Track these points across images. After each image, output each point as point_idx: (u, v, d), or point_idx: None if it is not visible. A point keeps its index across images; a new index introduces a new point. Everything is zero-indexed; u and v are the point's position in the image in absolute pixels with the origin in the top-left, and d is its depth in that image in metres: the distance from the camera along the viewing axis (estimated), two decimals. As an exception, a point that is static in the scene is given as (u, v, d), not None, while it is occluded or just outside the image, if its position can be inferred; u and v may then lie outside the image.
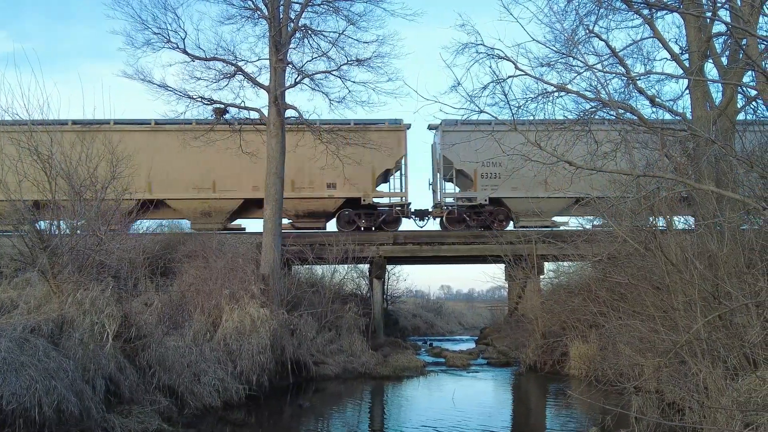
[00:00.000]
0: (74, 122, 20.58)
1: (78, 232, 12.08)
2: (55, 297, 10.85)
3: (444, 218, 23.41)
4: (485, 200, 23.05)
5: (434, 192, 24.70)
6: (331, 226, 24.01)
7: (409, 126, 23.50)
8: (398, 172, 24.06)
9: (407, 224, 28.09)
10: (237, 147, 18.72)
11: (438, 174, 24.21)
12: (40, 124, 12.39)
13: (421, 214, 24.18)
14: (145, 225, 22.32)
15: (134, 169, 22.02)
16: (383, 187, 24.28)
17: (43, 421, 8.11)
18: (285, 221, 23.67)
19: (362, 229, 23.17)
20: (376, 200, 23.51)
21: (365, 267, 23.64)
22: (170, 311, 13.96)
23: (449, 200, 23.91)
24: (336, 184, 22.84)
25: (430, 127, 24.38)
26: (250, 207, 23.56)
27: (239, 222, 24.35)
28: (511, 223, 23.83)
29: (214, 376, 12.10)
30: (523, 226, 22.76)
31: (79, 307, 10.41)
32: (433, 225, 24.82)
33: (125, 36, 17.67)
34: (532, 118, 10.78)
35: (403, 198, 23.68)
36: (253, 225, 25.02)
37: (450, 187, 24.52)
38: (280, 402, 13.51)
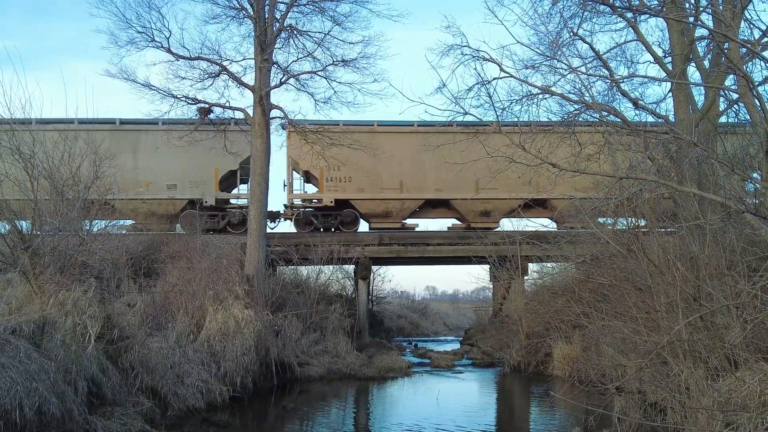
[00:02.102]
0: (419, 124, 21.70)
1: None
2: (36, 298, 10.74)
3: None
4: None
5: None
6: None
7: None
8: None
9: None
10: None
11: None
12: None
13: None
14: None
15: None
16: None
17: (24, 423, 8.02)
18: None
19: None
20: None
21: (350, 268, 23.61)
22: (153, 312, 13.83)
23: None
24: None
25: None
26: None
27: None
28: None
29: (198, 378, 12.03)
30: None
31: (61, 308, 10.31)
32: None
33: (109, 35, 17.59)
34: (516, 119, 10.87)
35: None
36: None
37: None
38: (264, 403, 13.47)
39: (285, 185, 23.53)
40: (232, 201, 23.49)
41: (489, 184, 22.23)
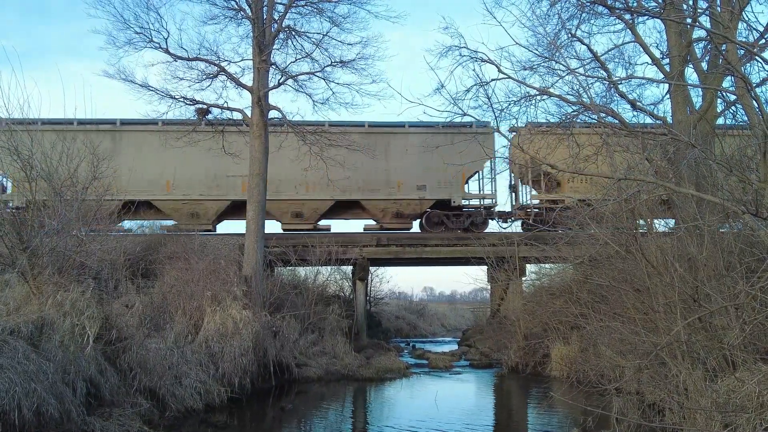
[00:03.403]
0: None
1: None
2: (34, 298, 10.72)
3: None
4: None
5: None
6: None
7: None
8: None
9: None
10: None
11: None
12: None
13: None
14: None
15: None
16: None
17: (22, 424, 8.00)
18: None
19: None
20: None
21: (348, 269, 23.62)
22: (151, 313, 13.82)
23: None
24: None
25: None
26: None
27: None
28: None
29: (196, 379, 12.02)
30: None
31: (59, 309, 10.29)
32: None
33: (107, 35, 17.53)
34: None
35: None
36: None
37: None
38: (262, 404, 13.45)
39: (510, 186, 24.09)
40: (472, 201, 24.09)
41: None
